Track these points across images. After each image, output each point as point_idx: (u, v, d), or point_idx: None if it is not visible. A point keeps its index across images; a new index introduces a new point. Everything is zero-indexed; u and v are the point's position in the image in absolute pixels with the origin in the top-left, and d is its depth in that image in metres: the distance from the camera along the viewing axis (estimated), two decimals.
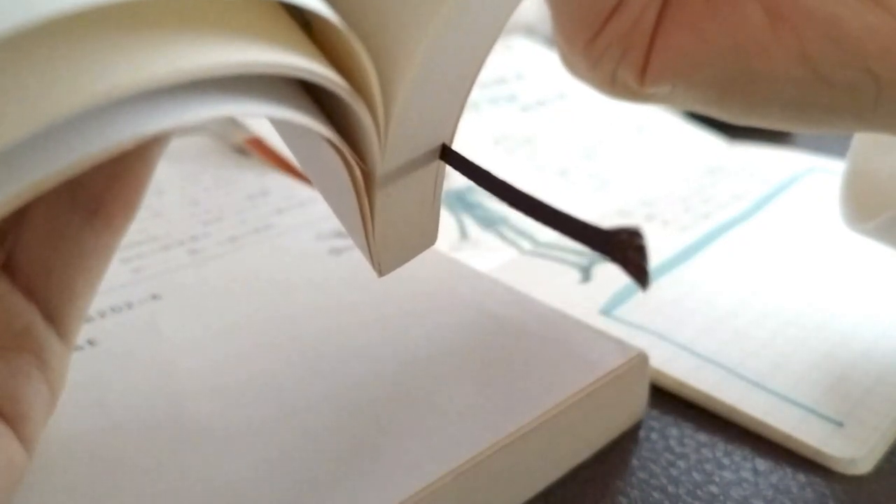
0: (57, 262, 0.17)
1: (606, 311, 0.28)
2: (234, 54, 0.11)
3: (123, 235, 0.18)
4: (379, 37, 0.14)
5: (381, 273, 0.18)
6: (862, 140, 0.25)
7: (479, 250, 0.32)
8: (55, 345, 0.17)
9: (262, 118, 0.13)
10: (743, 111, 0.21)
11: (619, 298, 0.29)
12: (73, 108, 0.10)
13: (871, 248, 0.27)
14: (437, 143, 0.17)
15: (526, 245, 0.33)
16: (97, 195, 0.17)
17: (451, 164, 0.18)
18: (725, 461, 0.22)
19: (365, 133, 0.15)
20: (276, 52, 0.12)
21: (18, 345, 0.17)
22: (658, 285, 0.30)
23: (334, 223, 0.30)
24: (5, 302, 0.17)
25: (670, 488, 0.21)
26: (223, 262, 0.28)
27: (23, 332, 0.17)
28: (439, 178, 0.18)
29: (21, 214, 0.17)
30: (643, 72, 0.21)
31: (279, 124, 0.18)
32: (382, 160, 0.16)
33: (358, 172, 0.16)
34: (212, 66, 0.11)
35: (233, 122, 0.37)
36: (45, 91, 0.10)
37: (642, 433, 0.23)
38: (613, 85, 0.22)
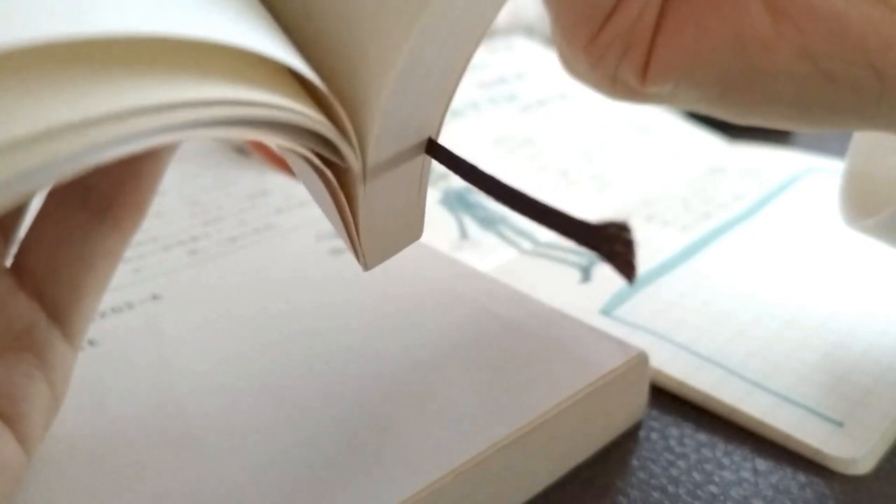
0: (64, 262, 0.17)
1: (606, 311, 0.28)
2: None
3: (132, 238, 0.18)
4: (363, 34, 0.14)
5: (366, 267, 0.18)
6: (862, 139, 0.25)
7: (479, 250, 0.32)
8: (59, 345, 0.17)
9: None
10: (745, 109, 0.21)
11: (619, 298, 0.29)
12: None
13: (870, 248, 0.27)
14: (423, 137, 0.17)
15: (526, 245, 0.33)
16: (107, 197, 0.17)
17: (436, 159, 0.17)
18: (725, 461, 0.22)
19: (347, 132, 0.15)
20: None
21: (19, 345, 0.17)
22: (658, 285, 0.30)
23: None
24: (7, 302, 0.17)
25: (670, 488, 0.21)
26: (223, 262, 0.28)
27: (24, 333, 0.17)
28: (425, 172, 0.18)
29: (21, 210, 0.17)
30: (645, 70, 0.20)
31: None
32: (366, 155, 0.15)
33: (330, 175, 0.16)
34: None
35: None
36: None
37: (642, 433, 0.23)
38: (614, 85, 0.21)
